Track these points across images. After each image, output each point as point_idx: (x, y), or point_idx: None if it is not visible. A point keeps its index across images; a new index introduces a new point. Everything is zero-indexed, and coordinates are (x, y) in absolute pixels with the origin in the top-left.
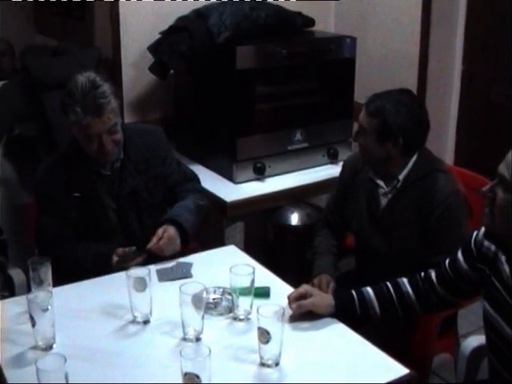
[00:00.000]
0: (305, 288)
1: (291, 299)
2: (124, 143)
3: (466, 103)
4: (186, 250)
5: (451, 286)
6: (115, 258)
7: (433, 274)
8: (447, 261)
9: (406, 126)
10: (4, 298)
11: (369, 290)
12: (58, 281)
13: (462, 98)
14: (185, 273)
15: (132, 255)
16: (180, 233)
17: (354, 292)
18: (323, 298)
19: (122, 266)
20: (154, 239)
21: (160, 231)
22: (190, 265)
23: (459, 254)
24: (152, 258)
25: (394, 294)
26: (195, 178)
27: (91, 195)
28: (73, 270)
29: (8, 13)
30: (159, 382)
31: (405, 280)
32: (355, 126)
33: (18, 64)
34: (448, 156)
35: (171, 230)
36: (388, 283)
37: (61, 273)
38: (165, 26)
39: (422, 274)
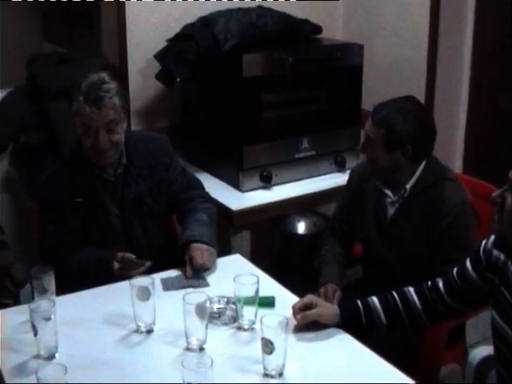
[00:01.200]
0: (310, 298)
1: (296, 309)
2: (128, 149)
3: (474, 111)
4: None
5: (459, 296)
6: (116, 265)
7: (440, 283)
8: (455, 270)
9: (413, 134)
10: (7, 306)
11: (374, 299)
12: (62, 288)
13: (470, 106)
14: (201, 283)
15: (135, 264)
16: None
17: (359, 301)
18: (328, 308)
19: (125, 273)
20: (198, 260)
21: (193, 253)
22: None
23: (468, 263)
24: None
25: (399, 304)
26: (199, 185)
27: (94, 201)
28: (75, 276)
29: (15, 20)
30: None
31: (411, 289)
32: (363, 134)
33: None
34: (456, 164)
35: (203, 247)
36: (394, 292)
37: (64, 279)
38: (171, 34)
39: (429, 283)
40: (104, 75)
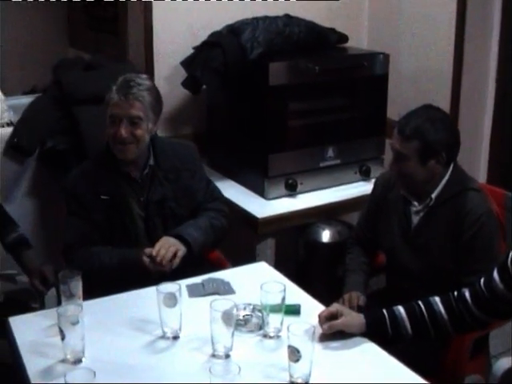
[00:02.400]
0: (336, 307)
1: (322, 318)
2: (155, 151)
3: (499, 120)
4: (217, 266)
5: (486, 306)
6: (146, 260)
7: (467, 294)
8: (482, 280)
9: (446, 140)
10: (34, 309)
11: (400, 309)
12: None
13: (495, 115)
14: (227, 290)
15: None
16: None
17: (385, 311)
18: (354, 318)
19: (159, 268)
20: (156, 247)
21: (157, 248)
22: (221, 281)
23: (495, 274)
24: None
25: (425, 314)
26: (221, 199)
27: (119, 200)
28: (97, 275)
29: (42, 26)
30: None
31: (437, 299)
32: (387, 144)
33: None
34: (481, 174)
35: (171, 241)
36: (420, 302)
37: (85, 277)
38: (198, 42)
39: (456, 293)
40: (145, 76)
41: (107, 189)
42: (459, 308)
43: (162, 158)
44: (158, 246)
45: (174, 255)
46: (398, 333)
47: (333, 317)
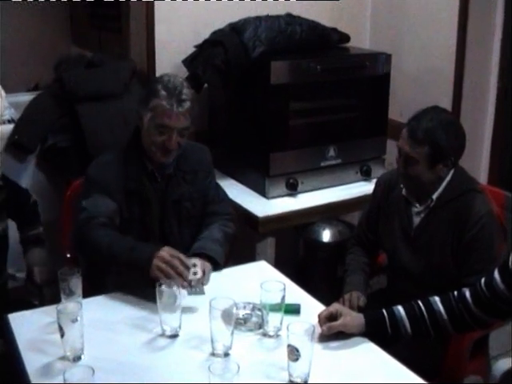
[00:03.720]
0: (335, 307)
1: (321, 319)
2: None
3: (501, 121)
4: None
5: (487, 306)
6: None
7: (467, 293)
8: (483, 280)
9: (456, 145)
10: (34, 306)
11: (400, 308)
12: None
13: (497, 116)
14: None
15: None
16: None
17: (384, 311)
18: (353, 318)
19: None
20: (199, 273)
21: (201, 266)
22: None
23: (496, 274)
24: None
25: (425, 313)
26: (228, 202)
27: (141, 195)
28: (101, 259)
29: (44, 24)
30: None
31: (437, 299)
32: (389, 144)
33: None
34: (482, 175)
35: (209, 267)
36: (419, 302)
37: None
38: (199, 40)
39: (456, 292)
40: (182, 79)
41: (132, 183)
42: (459, 308)
43: (182, 159)
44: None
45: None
46: (398, 332)
47: (332, 317)
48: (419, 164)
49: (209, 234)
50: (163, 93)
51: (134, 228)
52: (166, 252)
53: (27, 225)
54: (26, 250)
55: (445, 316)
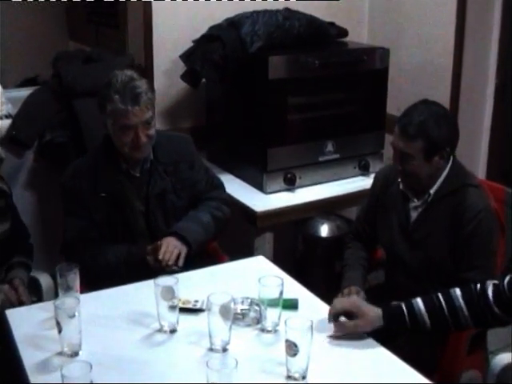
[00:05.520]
0: (356, 305)
1: (333, 313)
2: (154, 146)
3: (499, 117)
4: (215, 260)
5: (508, 307)
6: (151, 259)
7: (489, 291)
8: (507, 279)
9: (449, 136)
10: (31, 302)
11: (419, 302)
12: (86, 286)
13: (495, 112)
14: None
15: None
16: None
17: (403, 306)
18: (368, 319)
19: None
20: (161, 250)
21: (163, 250)
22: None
23: None
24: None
25: (445, 308)
26: (221, 187)
27: (119, 196)
28: (100, 273)
29: (41, 19)
30: None
31: (458, 293)
32: (387, 138)
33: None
34: (480, 169)
35: (173, 242)
36: (440, 295)
37: (86, 276)
38: (197, 35)
39: (478, 287)
40: (131, 72)
41: (107, 186)
42: (480, 305)
43: (160, 152)
44: (162, 250)
45: (178, 256)
46: (417, 326)
47: (347, 314)
48: (415, 159)
49: (194, 214)
50: (115, 96)
51: (118, 228)
52: None
53: (19, 254)
54: (10, 269)
55: (466, 312)
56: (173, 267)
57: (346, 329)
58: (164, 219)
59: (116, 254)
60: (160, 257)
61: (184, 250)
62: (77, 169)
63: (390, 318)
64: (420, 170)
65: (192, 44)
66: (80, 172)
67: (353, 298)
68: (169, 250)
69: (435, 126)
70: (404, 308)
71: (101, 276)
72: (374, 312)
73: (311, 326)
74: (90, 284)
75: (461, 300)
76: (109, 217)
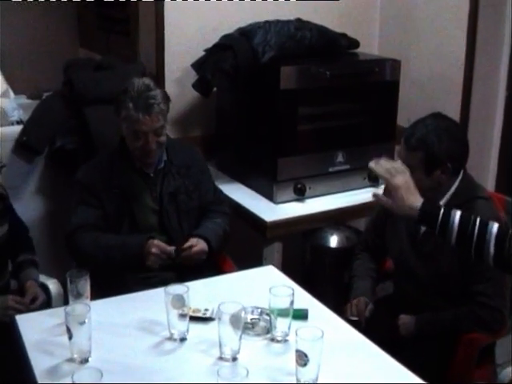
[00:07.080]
0: (399, 181)
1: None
2: (167, 148)
3: (509, 129)
4: (224, 269)
5: None
6: (154, 250)
7: None
8: None
9: (451, 151)
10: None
11: (457, 215)
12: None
13: (505, 124)
14: None
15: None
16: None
17: (442, 211)
18: (410, 198)
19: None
20: (188, 243)
21: (195, 240)
22: None
23: None
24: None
25: (475, 237)
26: (227, 203)
27: (131, 194)
28: (100, 258)
29: (52, 27)
30: None
31: (494, 230)
32: (397, 150)
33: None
34: (489, 182)
35: (204, 245)
36: (477, 222)
37: (87, 265)
38: (209, 44)
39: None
40: (148, 81)
41: (120, 183)
42: (510, 251)
43: (173, 154)
44: (193, 240)
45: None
46: (443, 234)
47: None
48: (416, 170)
49: (213, 226)
50: (129, 103)
51: (126, 224)
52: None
53: (23, 251)
54: (21, 269)
55: (492, 250)
56: (173, 254)
57: (385, 204)
58: (177, 218)
59: (116, 238)
60: (188, 244)
61: (207, 251)
62: (91, 165)
63: (425, 211)
64: (421, 182)
65: (204, 53)
66: (95, 168)
67: (401, 178)
68: (198, 243)
69: (436, 140)
70: (441, 211)
71: (99, 262)
72: (411, 200)
73: (322, 337)
74: (93, 273)
75: (493, 238)
76: (119, 212)
